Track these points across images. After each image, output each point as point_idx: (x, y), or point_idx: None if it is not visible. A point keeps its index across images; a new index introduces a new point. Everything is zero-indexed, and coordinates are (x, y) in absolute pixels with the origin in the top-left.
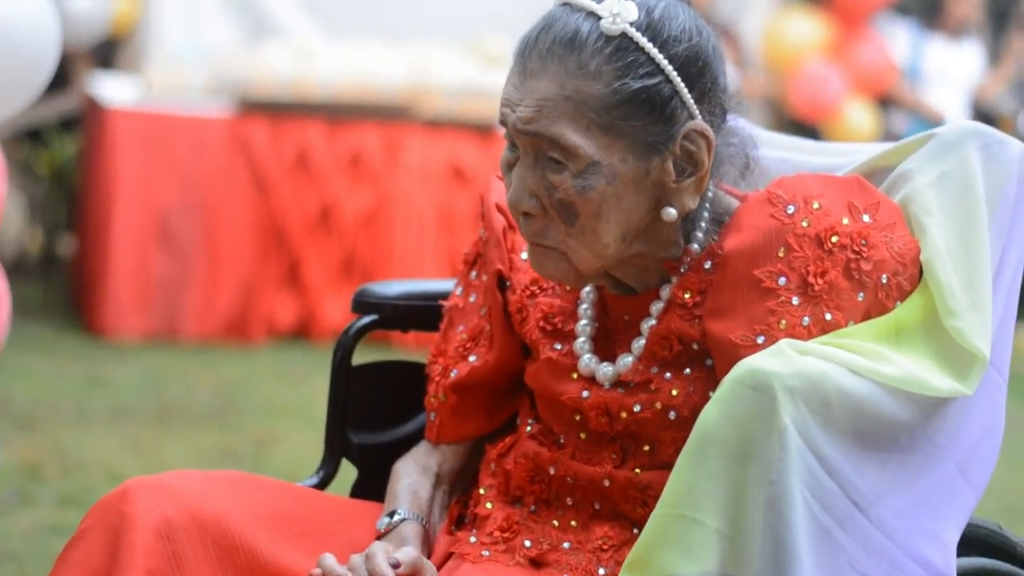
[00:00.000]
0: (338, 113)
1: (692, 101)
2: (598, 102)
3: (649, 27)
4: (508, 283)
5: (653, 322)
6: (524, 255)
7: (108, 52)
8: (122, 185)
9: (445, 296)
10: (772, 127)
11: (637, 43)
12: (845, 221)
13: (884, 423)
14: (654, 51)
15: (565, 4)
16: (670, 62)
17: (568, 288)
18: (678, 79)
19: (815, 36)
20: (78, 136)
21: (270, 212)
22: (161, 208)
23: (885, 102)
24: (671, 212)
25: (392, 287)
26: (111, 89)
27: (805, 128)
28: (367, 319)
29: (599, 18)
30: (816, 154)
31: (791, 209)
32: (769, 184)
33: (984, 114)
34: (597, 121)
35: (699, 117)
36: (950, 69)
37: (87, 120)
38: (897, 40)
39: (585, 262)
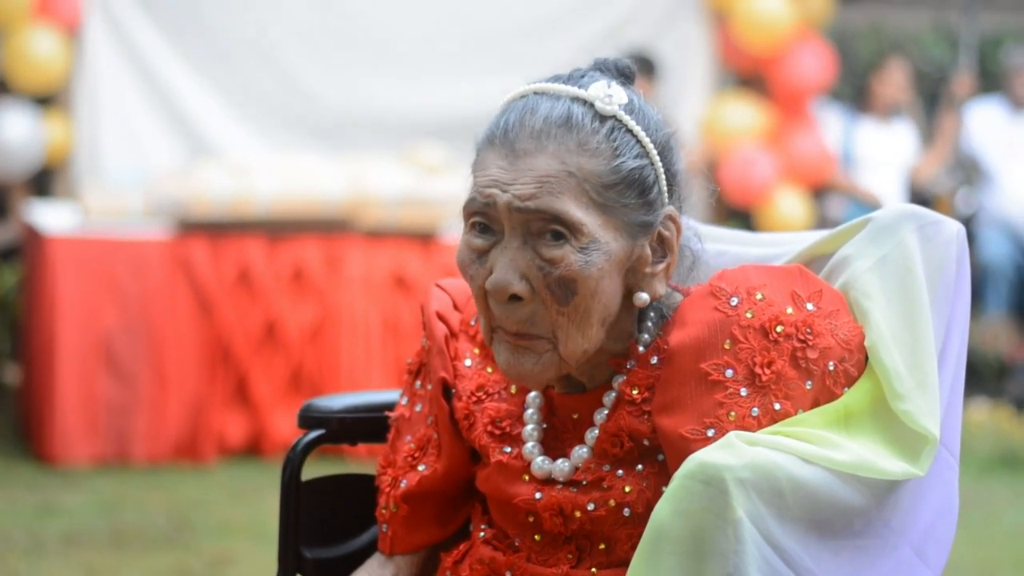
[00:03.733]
0: (278, 229)
1: (667, 187)
2: (598, 179)
3: (634, 112)
4: (453, 390)
5: (603, 420)
6: (468, 362)
7: (45, 180)
8: (65, 311)
9: (391, 407)
10: (710, 214)
11: (627, 125)
12: (789, 310)
13: (838, 510)
14: (642, 134)
15: (540, 93)
16: (654, 147)
17: (514, 392)
18: (660, 164)
19: (751, 122)
20: (19, 265)
21: (214, 330)
22: (105, 332)
23: (821, 189)
24: (643, 297)
25: (338, 400)
26: (49, 217)
27: (739, 214)
28: (314, 434)
29: (585, 102)
30: (754, 245)
31: (735, 301)
32: (711, 277)
33: (921, 194)
34: (595, 199)
35: (671, 204)
36: (883, 151)
37: (27, 249)
38: (829, 125)
39: (573, 347)
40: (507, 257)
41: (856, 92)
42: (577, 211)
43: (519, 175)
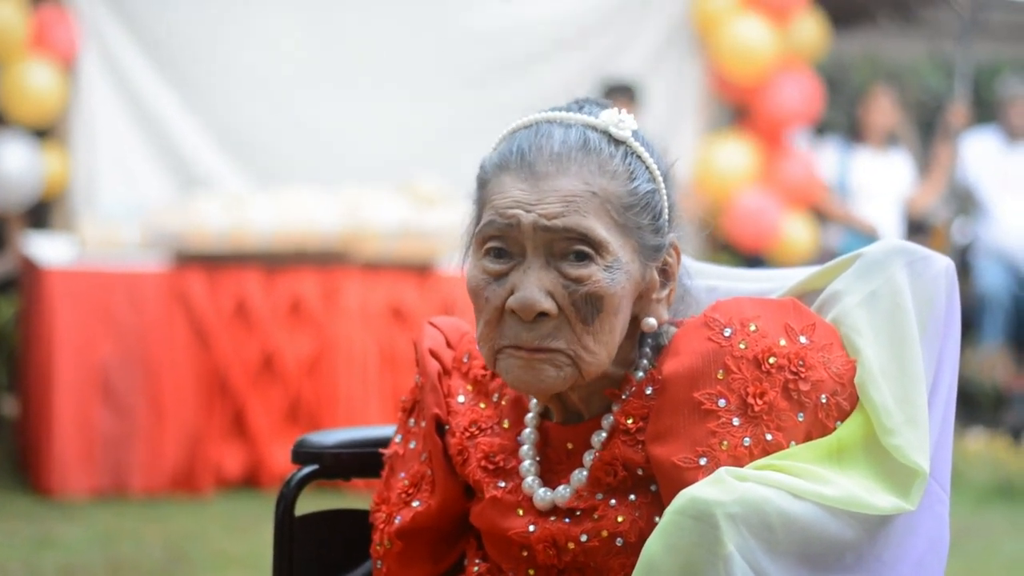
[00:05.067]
0: (275, 261)
1: (669, 215)
2: (618, 200)
3: (642, 140)
4: (447, 427)
5: (598, 449)
6: (461, 399)
7: (42, 212)
8: (62, 344)
9: (385, 443)
10: (705, 252)
11: (637, 152)
12: (782, 342)
13: (829, 544)
14: (651, 160)
15: (550, 121)
16: (660, 174)
17: (507, 426)
18: (665, 191)
19: (743, 162)
20: (16, 297)
21: (212, 363)
22: (102, 364)
23: (819, 216)
24: (651, 322)
25: (331, 436)
26: (46, 249)
27: (739, 253)
28: (308, 469)
29: (596, 129)
30: (745, 281)
31: (728, 332)
32: (705, 308)
33: (917, 224)
34: (616, 219)
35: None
36: (879, 181)
37: (24, 281)
38: (824, 157)
39: (597, 364)
40: (532, 276)
41: (851, 123)
42: (602, 230)
43: (543, 195)
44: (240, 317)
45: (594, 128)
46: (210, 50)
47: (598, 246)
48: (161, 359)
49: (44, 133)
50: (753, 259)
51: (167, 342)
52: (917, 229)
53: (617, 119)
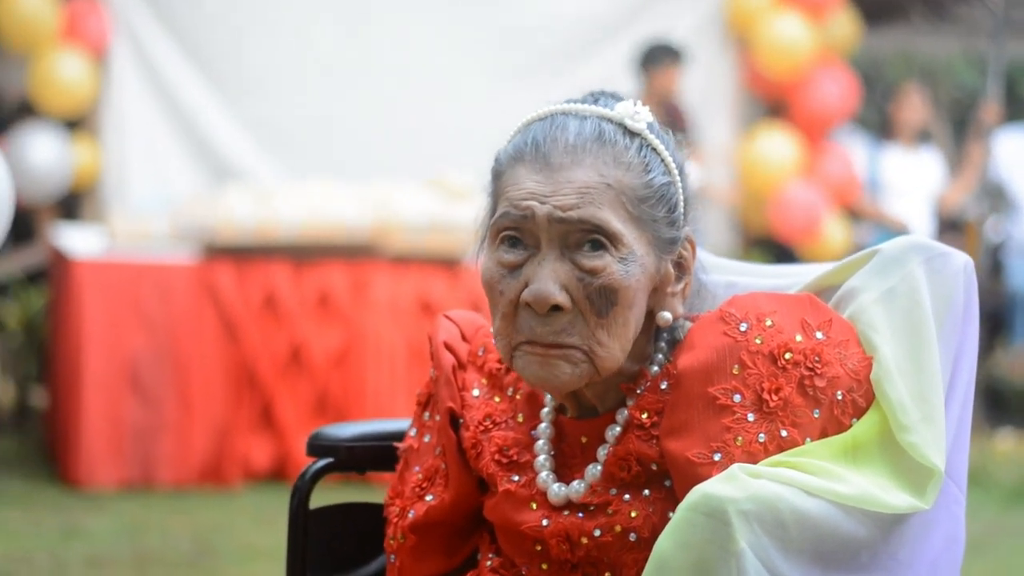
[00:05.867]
0: (303, 254)
1: (684, 209)
2: (633, 192)
3: (655, 133)
4: (461, 420)
5: (612, 443)
6: (475, 392)
7: (72, 204)
8: (91, 335)
9: (400, 436)
10: (738, 247)
11: (652, 144)
12: (798, 338)
13: (843, 542)
14: (666, 153)
15: (565, 113)
16: (675, 167)
17: (521, 420)
18: (680, 184)
19: (788, 156)
20: (46, 288)
21: (240, 355)
22: (131, 356)
23: (850, 214)
24: (667, 316)
25: (347, 429)
26: (76, 241)
27: (772, 248)
28: (323, 462)
29: (611, 121)
30: (763, 276)
31: (744, 327)
32: (721, 303)
33: (950, 221)
34: (631, 211)
35: (686, 226)
36: (909, 178)
37: (54, 272)
38: (855, 153)
39: (611, 359)
40: (547, 268)
41: (882, 120)
42: (617, 222)
43: (558, 187)
44: (269, 310)
45: (609, 120)
46: (241, 42)
47: (613, 238)
48: (190, 351)
49: (75, 124)
50: (785, 254)
51: (196, 334)
52: (951, 227)
53: (632, 111)
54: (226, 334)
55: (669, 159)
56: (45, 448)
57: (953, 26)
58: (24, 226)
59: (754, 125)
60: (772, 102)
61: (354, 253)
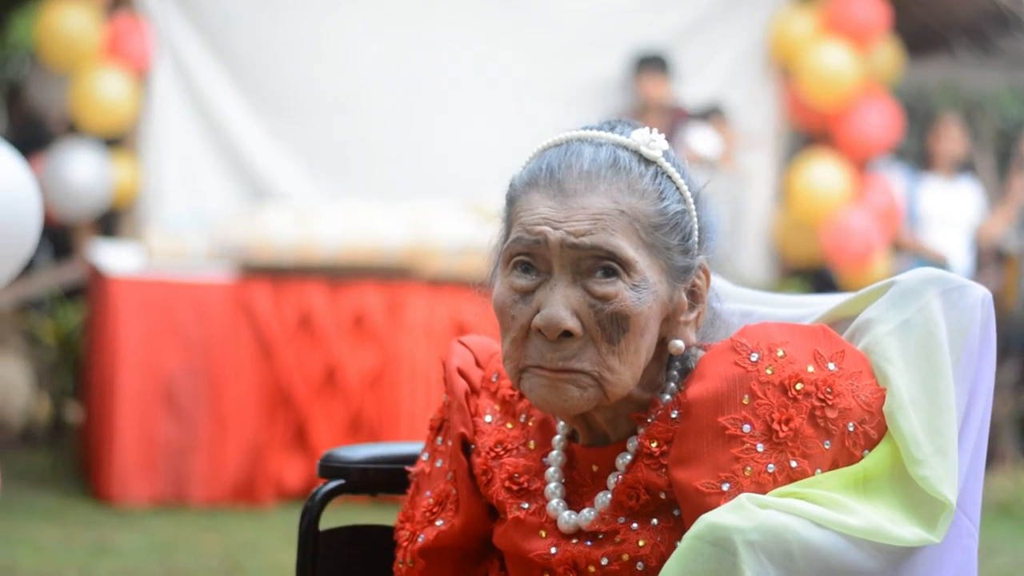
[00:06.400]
0: (339, 275)
1: (699, 237)
2: (647, 220)
3: (672, 161)
4: (472, 446)
5: (621, 472)
6: (488, 418)
7: (110, 222)
8: (127, 352)
9: (412, 460)
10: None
11: (667, 172)
12: (810, 369)
13: (851, 574)
14: (681, 181)
15: (580, 140)
16: (690, 195)
17: (532, 447)
18: (695, 212)
19: (838, 183)
20: (83, 305)
21: (275, 374)
22: (166, 374)
23: (892, 246)
24: (679, 344)
25: (358, 451)
26: (114, 258)
27: (810, 275)
28: (333, 484)
29: (627, 148)
30: (779, 306)
31: (755, 357)
32: (733, 333)
33: (991, 253)
34: (644, 239)
35: (700, 255)
36: (948, 209)
37: (91, 289)
38: (893, 184)
39: (621, 385)
40: (558, 294)
41: (921, 152)
42: (630, 249)
43: (571, 213)
44: (304, 330)
45: (624, 147)
46: (283, 63)
47: (625, 265)
48: (224, 369)
49: (115, 142)
50: (823, 285)
51: (231, 353)
52: (994, 258)
53: (648, 139)
54: (261, 353)
55: (684, 187)
56: (78, 463)
57: (998, 59)
58: (63, 242)
59: (796, 155)
60: (815, 132)
61: (390, 275)
